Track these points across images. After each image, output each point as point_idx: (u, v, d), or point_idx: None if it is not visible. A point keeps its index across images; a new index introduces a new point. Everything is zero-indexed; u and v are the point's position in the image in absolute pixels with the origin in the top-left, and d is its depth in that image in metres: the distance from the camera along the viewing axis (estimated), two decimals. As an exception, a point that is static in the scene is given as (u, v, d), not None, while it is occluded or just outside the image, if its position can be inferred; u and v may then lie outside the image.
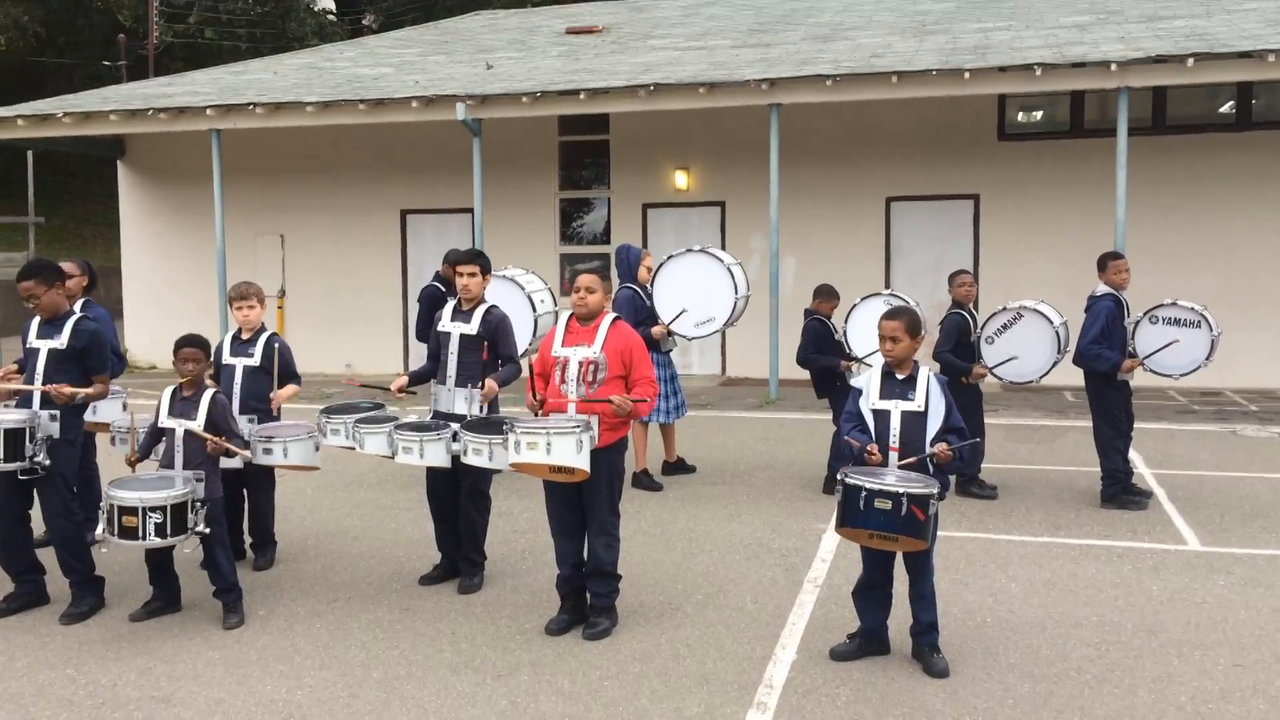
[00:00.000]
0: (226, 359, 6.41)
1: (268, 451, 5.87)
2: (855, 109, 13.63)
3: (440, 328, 6.13)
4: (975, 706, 4.49)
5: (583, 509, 5.39)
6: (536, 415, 5.38)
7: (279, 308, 16.33)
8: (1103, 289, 7.78)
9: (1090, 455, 8.22)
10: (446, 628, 5.48)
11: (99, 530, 5.24)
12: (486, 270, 6.16)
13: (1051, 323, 7.98)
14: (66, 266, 6.69)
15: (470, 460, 5.53)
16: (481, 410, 5.98)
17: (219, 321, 14.42)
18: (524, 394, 5.50)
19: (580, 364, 5.30)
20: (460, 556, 6.12)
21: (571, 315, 5.48)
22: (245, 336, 6.46)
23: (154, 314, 16.75)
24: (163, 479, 5.35)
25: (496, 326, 6.06)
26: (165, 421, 5.52)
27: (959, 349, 8.00)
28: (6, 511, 5.70)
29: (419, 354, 15.60)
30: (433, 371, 6.18)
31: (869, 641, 5.02)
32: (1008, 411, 11.57)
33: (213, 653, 5.18)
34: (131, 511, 5.11)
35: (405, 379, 6.17)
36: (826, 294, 8.42)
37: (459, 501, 6.09)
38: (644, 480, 8.36)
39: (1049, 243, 13.79)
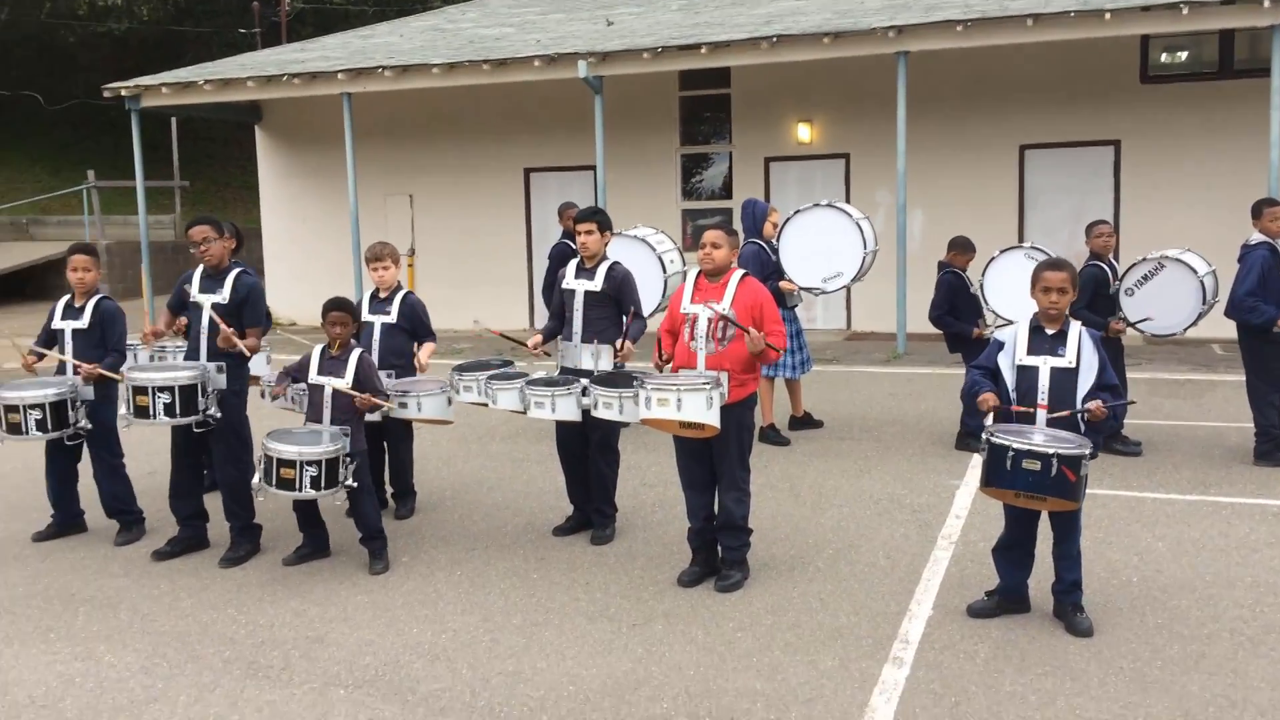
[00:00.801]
0: (366, 316, 6.58)
1: (403, 405, 6.05)
2: (987, 55, 13.18)
3: (565, 285, 6.19)
4: (1121, 667, 4.38)
5: (712, 464, 5.42)
6: (662, 372, 5.42)
7: (409, 266, 16.74)
8: (1257, 238, 7.39)
9: (1242, 411, 7.88)
10: (581, 577, 5.59)
11: (255, 479, 5.51)
12: (604, 228, 6.17)
13: (1196, 272, 7.62)
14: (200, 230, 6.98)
15: (600, 414, 5.61)
16: (609, 364, 6.04)
17: (353, 281, 14.87)
18: (651, 348, 5.53)
19: (710, 320, 5.30)
20: (591, 509, 6.22)
21: (700, 271, 5.47)
22: (383, 295, 6.65)
23: (291, 274, 17.37)
24: (314, 433, 5.57)
25: (621, 282, 6.10)
26: (314, 379, 5.73)
27: (1096, 302, 7.71)
28: (181, 460, 6.07)
29: (543, 311, 15.81)
30: (558, 329, 6.26)
31: (1008, 599, 4.93)
32: (1151, 365, 11.13)
33: (361, 597, 5.40)
34: (289, 464, 5.34)
35: (540, 338, 6.25)
36: (961, 246, 8.22)
37: (589, 455, 6.18)
38: (771, 435, 8.34)
39: (1195, 191, 13.15)
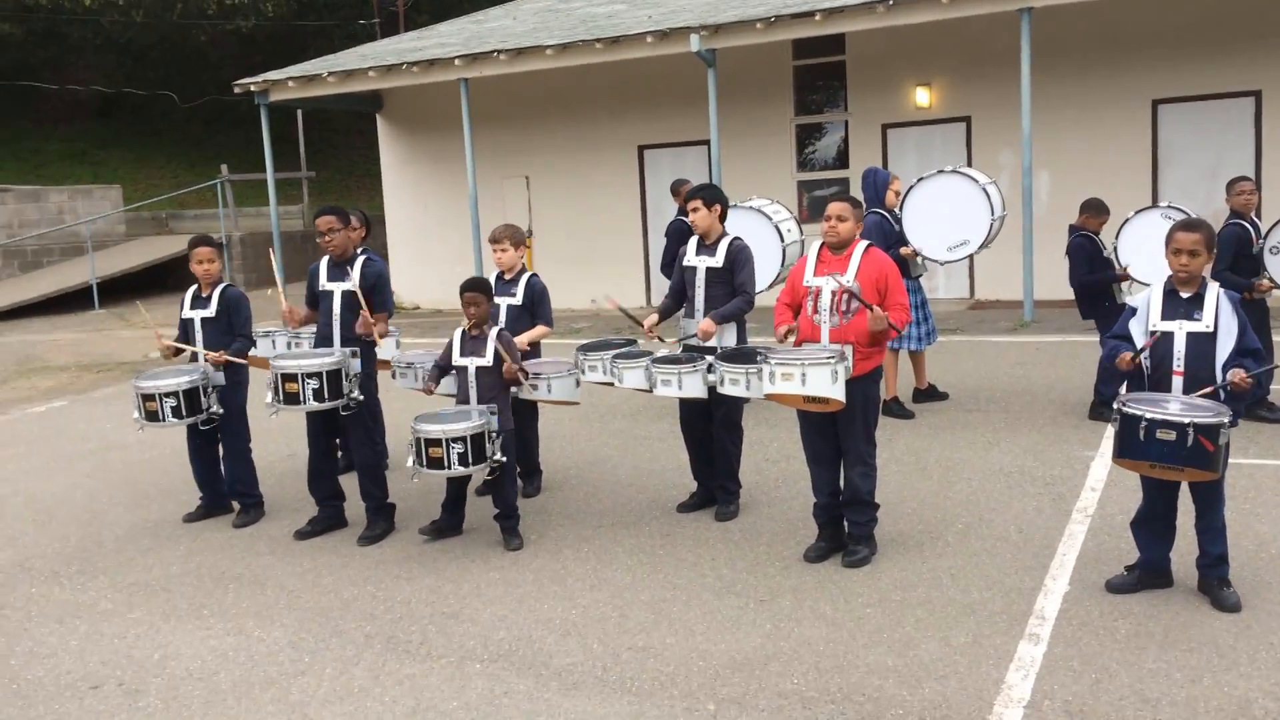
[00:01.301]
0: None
1: (533, 388, 6.16)
2: (1116, 6, 12.62)
3: (686, 262, 6.18)
4: (1272, 643, 4.21)
5: (837, 438, 5.37)
6: (786, 334, 5.39)
7: (527, 247, 16.95)
8: None
9: (1401, 374, 7.42)
10: (707, 553, 5.62)
11: (409, 463, 5.67)
12: (711, 202, 6.11)
13: (1351, 227, 7.20)
14: (326, 220, 7.18)
15: (727, 390, 5.60)
16: (733, 340, 6.03)
17: (474, 264, 15.16)
18: (765, 324, 5.50)
19: (833, 293, 5.24)
20: (716, 485, 6.24)
21: (823, 244, 5.41)
22: (507, 277, 6.72)
23: (414, 258, 17.81)
24: (461, 413, 5.71)
25: (738, 256, 6.06)
26: (458, 360, 5.85)
27: (1238, 263, 7.35)
28: (318, 444, 6.31)
29: (660, 287, 15.80)
30: (677, 306, 6.27)
31: (1149, 574, 4.77)
32: (1298, 328, 10.56)
33: (493, 573, 5.54)
34: (436, 443, 5.50)
35: (656, 318, 6.24)
36: (1095, 208, 7.92)
37: (712, 432, 6.20)
38: (895, 408, 8.22)
39: (1346, 140, 12.38)
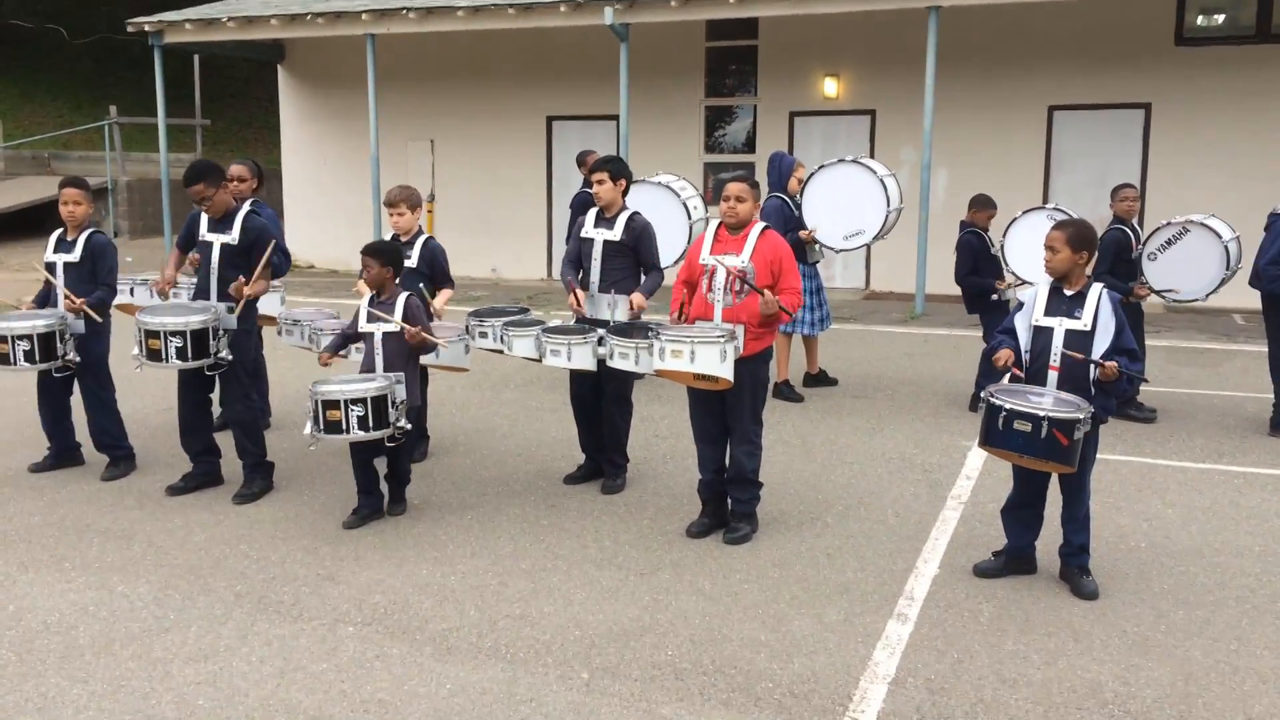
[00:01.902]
0: None
1: (444, 347, 5.92)
2: (1018, 11, 12.95)
3: (583, 234, 6.14)
4: (1125, 630, 4.39)
5: (725, 416, 5.42)
6: (679, 316, 5.41)
7: (429, 212, 16.69)
8: (1286, 205, 7.28)
9: (1260, 381, 7.83)
10: (591, 525, 5.63)
11: (307, 429, 5.39)
12: (617, 176, 6.07)
13: (1221, 238, 7.53)
14: (235, 169, 6.99)
15: (616, 364, 5.60)
16: (625, 314, 6.02)
17: (372, 225, 14.86)
18: (668, 301, 5.51)
19: (728, 272, 5.27)
20: (604, 459, 6.24)
21: (720, 223, 5.44)
22: (404, 240, 6.55)
23: (311, 216, 17.38)
24: (364, 377, 5.48)
25: (640, 233, 6.04)
26: (364, 326, 5.61)
27: (1117, 266, 7.64)
28: (188, 397, 6.09)
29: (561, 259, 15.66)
30: (576, 277, 6.20)
31: (1015, 560, 4.94)
32: (1170, 333, 11.04)
33: (371, 537, 5.45)
34: (334, 404, 5.25)
35: (582, 296, 6.06)
36: (982, 203, 8.13)
37: (602, 405, 6.20)
38: (785, 391, 8.33)
39: (1225, 158, 12.95)
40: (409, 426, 5.51)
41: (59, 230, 6.37)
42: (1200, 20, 13.47)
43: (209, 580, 4.91)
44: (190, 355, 5.74)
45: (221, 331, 5.87)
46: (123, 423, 6.52)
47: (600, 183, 6.06)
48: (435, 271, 6.55)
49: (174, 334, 5.70)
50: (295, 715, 3.75)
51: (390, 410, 5.37)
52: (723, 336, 5.08)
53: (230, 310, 5.91)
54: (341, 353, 5.83)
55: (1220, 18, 13.53)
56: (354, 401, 5.26)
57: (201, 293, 6.03)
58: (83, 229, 6.29)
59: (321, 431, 5.31)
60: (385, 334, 5.55)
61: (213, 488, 6.17)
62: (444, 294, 6.55)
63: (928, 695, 3.88)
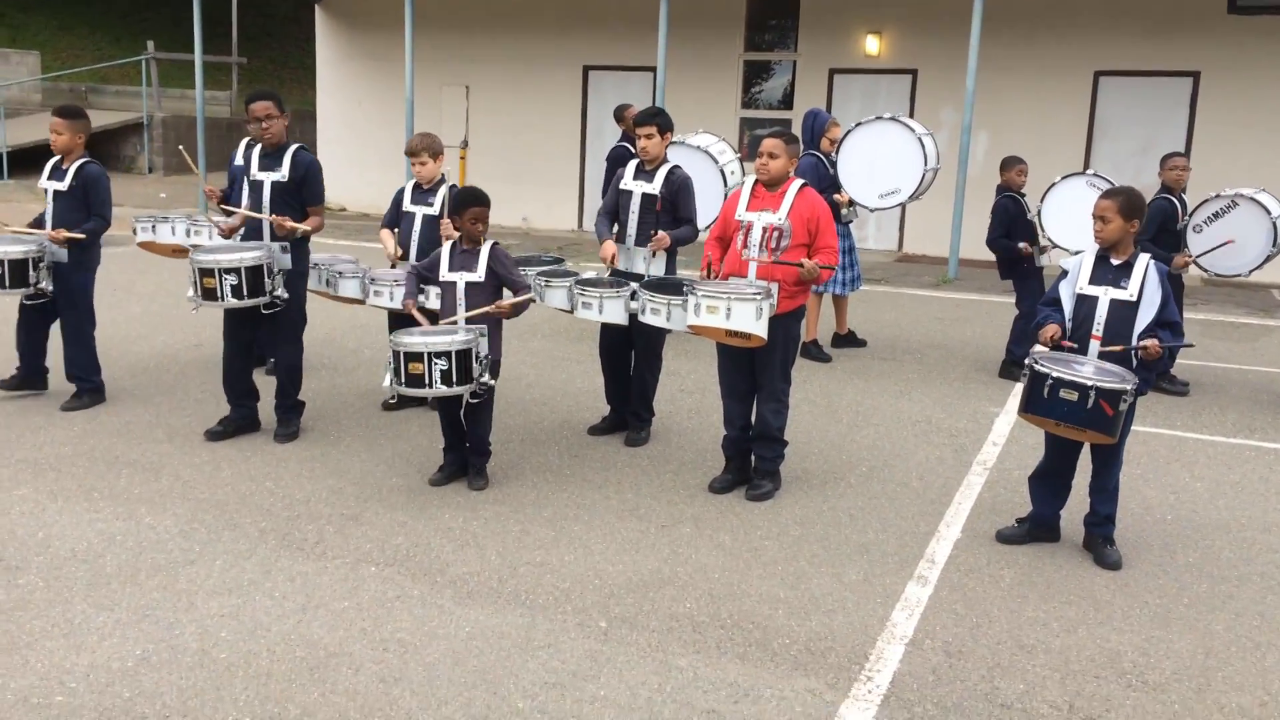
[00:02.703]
0: (406, 207, 6.38)
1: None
2: (1069, -27, 12.67)
3: (622, 186, 6.06)
4: (1146, 601, 4.37)
5: (754, 374, 5.39)
6: (708, 273, 5.35)
7: (461, 158, 16.65)
8: (1335, 180, 7.12)
9: (1297, 359, 7.71)
10: (613, 476, 5.64)
11: (385, 381, 5.14)
12: (665, 130, 5.98)
13: (1269, 213, 7.39)
14: (262, 107, 6.82)
15: (648, 319, 5.55)
16: (661, 270, 5.97)
17: (405, 169, 14.81)
18: (698, 257, 5.45)
19: (764, 229, 5.20)
20: (629, 411, 6.24)
21: (756, 180, 5.37)
22: (426, 188, 6.39)
23: (345, 158, 17.36)
24: (447, 329, 5.24)
25: (679, 187, 5.95)
26: (446, 275, 5.35)
27: (1161, 236, 7.51)
28: (236, 340, 6.01)
29: (594, 210, 15.68)
30: (609, 229, 6.14)
31: (1039, 528, 4.91)
32: (1207, 306, 10.89)
33: (396, 479, 5.49)
34: (417, 358, 4.98)
35: (614, 249, 5.97)
36: (1015, 163, 7.99)
37: (631, 359, 6.18)
38: (813, 351, 8.29)
39: (1275, 130, 12.67)
40: (492, 382, 5.28)
41: (55, 158, 6.36)
42: (1255, -13, 13.12)
43: (235, 515, 4.96)
44: (246, 294, 5.67)
45: (276, 270, 5.82)
46: (96, 356, 6.52)
47: (649, 136, 5.93)
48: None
49: (229, 271, 5.63)
50: (315, 650, 3.80)
51: (474, 365, 5.10)
52: (759, 294, 5.02)
53: (284, 250, 5.89)
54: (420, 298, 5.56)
55: (1276, -15, 13.17)
56: (438, 355, 4.98)
57: (252, 234, 5.97)
58: (75, 158, 6.28)
59: (403, 384, 5.05)
60: (469, 284, 5.30)
61: (250, 434, 6.12)
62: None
63: (945, 658, 3.88)
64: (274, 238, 5.89)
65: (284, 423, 6.07)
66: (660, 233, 5.89)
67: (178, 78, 22.93)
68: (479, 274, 5.29)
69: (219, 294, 5.65)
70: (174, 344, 7.93)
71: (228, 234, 6.19)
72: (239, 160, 6.34)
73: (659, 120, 5.97)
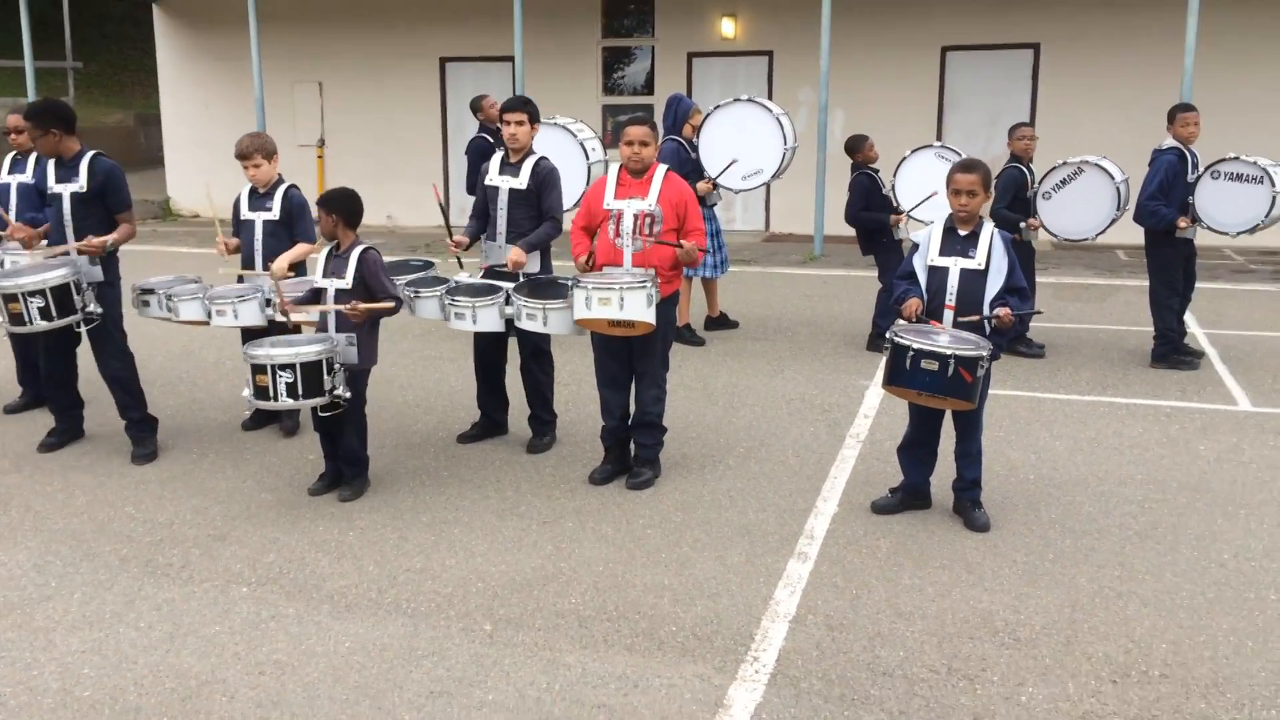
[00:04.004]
0: (244, 214, 6.04)
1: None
2: (912, -48, 13.01)
3: (488, 181, 5.87)
4: (1015, 560, 4.52)
5: (631, 362, 5.38)
6: (585, 270, 5.27)
7: (318, 157, 16.21)
8: (1169, 143, 7.48)
9: (1142, 315, 8.10)
10: (492, 476, 5.56)
11: (245, 393, 4.97)
12: (535, 119, 5.83)
13: (1113, 178, 7.72)
14: (13, 119, 6.43)
15: (524, 325, 5.42)
16: (536, 267, 5.81)
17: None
18: (566, 248, 5.38)
19: (636, 216, 5.18)
20: (530, 417, 6.03)
21: (621, 167, 5.34)
22: (262, 191, 6.04)
23: (194, 162, 16.69)
24: (306, 338, 5.05)
25: (544, 179, 5.78)
26: (319, 281, 5.20)
27: (1013, 204, 7.79)
28: (54, 351, 5.77)
29: (461, 205, 15.39)
30: (483, 228, 5.96)
31: (910, 496, 5.04)
32: (1058, 269, 11.36)
33: (265, 495, 5.30)
34: (261, 369, 4.83)
35: (465, 240, 5.86)
36: (863, 140, 8.17)
37: (504, 360, 6.05)
38: (686, 335, 8.33)
39: (1113, 96, 13.27)
40: (348, 395, 5.05)
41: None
42: (1086, -39, 13.69)
43: (92, 544, 4.72)
44: (55, 314, 5.38)
45: (86, 285, 5.51)
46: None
47: (520, 123, 5.73)
48: (296, 223, 6.03)
49: (33, 294, 5.32)
50: (186, 680, 3.64)
51: (325, 377, 4.92)
52: (646, 281, 4.99)
53: (93, 262, 5.57)
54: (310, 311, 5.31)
55: (1105, -42, 13.77)
56: (282, 367, 4.82)
57: (57, 244, 5.63)
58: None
59: (252, 396, 4.92)
60: (339, 290, 5.10)
61: (77, 441, 5.97)
62: (300, 248, 5.98)
63: (827, 632, 3.94)
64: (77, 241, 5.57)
65: (139, 442, 5.82)
66: (513, 251, 5.65)
67: (8, 85, 21.70)
68: (347, 280, 5.12)
69: (26, 318, 5.35)
70: (3, 369, 7.50)
71: (29, 243, 5.79)
72: (4, 177, 6.21)
73: (529, 108, 5.79)
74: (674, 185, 5.27)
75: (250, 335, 5.73)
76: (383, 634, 3.95)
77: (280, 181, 6.08)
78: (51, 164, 5.63)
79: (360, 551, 4.65)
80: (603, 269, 5.26)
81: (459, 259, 5.98)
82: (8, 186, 6.30)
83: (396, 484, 5.44)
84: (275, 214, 5.97)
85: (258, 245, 5.98)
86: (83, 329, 5.61)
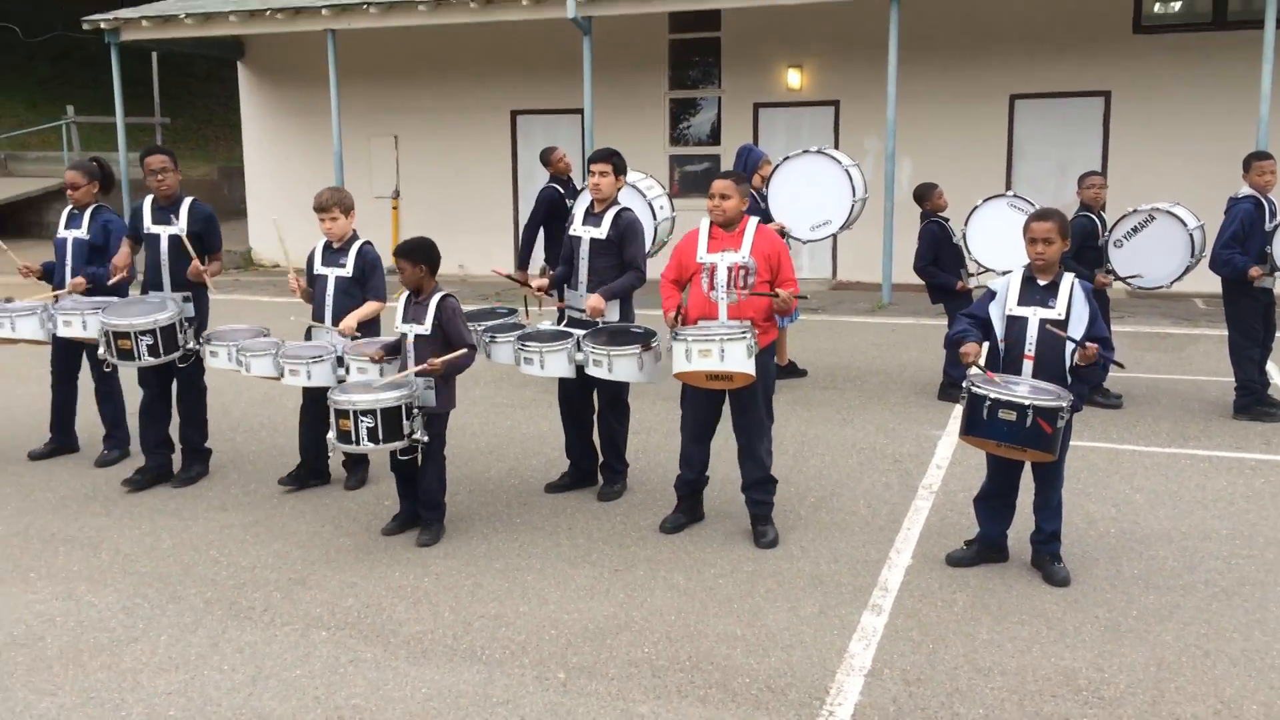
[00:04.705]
0: (318, 269, 6.00)
1: (362, 370, 5.46)
2: (978, 0, 13.02)
3: (571, 231, 5.97)
4: (1097, 616, 4.43)
5: (718, 415, 5.35)
6: (677, 324, 5.22)
7: (394, 208, 16.58)
8: (1245, 191, 7.38)
9: (1222, 365, 7.92)
10: (564, 523, 5.60)
11: (330, 435, 5.15)
12: (620, 171, 5.91)
13: (1185, 225, 7.62)
14: (71, 176, 6.67)
15: (591, 372, 5.46)
16: (616, 315, 5.85)
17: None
18: (657, 297, 5.40)
19: (729, 269, 5.17)
20: (601, 465, 6.08)
21: (712, 221, 5.36)
22: (336, 246, 5.99)
23: (275, 213, 17.17)
24: (388, 384, 5.15)
25: (626, 230, 5.84)
26: (399, 326, 5.34)
27: (1083, 253, 7.70)
28: (156, 387, 6.21)
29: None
30: (568, 274, 6.02)
31: (987, 548, 4.97)
32: (1134, 318, 11.17)
33: (344, 539, 5.40)
34: (344, 414, 5.00)
35: (547, 282, 6.06)
36: (932, 188, 8.16)
37: (593, 407, 6.04)
38: (790, 371, 8.32)
39: (1186, 144, 13.09)
40: (425, 438, 5.18)
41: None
42: (1158, 8, 13.61)
43: (178, 587, 4.85)
44: (163, 351, 5.86)
45: (187, 324, 6.00)
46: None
47: (603, 174, 5.85)
48: (368, 279, 5.97)
49: (144, 333, 5.80)
50: (269, 723, 3.71)
51: (404, 422, 5.07)
52: (746, 333, 4.97)
53: (186, 299, 6.13)
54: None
55: (1177, 5, 13.68)
56: (364, 412, 4.98)
57: (154, 285, 6.21)
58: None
59: (336, 440, 5.11)
60: (418, 335, 5.26)
61: (164, 484, 6.25)
62: (369, 307, 5.93)
63: (904, 686, 3.90)
64: (175, 287, 6.09)
65: (186, 466, 6.32)
66: (593, 298, 5.72)
67: (100, 141, 22.58)
68: (426, 326, 5.25)
69: (135, 354, 5.83)
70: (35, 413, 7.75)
71: (120, 269, 6.33)
72: (60, 232, 6.61)
73: (615, 160, 5.90)
74: (766, 237, 5.27)
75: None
76: (458, 680, 3.99)
77: (355, 237, 6.04)
78: (148, 207, 6.11)
79: (436, 597, 4.71)
80: (697, 322, 5.24)
81: (540, 299, 6.06)
82: (64, 241, 6.53)
83: (470, 530, 5.51)
84: (349, 271, 5.94)
85: (328, 300, 5.96)
86: (182, 365, 6.06)
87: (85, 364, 6.71)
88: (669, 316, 5.29)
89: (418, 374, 5.20)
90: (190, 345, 5.94)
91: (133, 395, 6.52)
